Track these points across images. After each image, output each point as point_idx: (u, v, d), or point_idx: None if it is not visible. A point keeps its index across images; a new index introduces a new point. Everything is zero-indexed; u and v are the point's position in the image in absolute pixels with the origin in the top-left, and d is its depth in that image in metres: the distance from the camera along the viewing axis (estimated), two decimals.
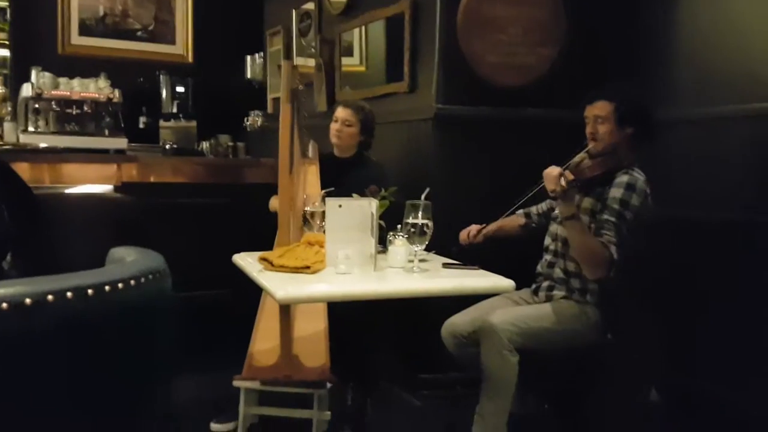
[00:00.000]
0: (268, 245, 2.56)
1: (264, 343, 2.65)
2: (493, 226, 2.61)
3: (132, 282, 1.03)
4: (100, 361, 0.97)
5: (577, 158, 2.32)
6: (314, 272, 1.95)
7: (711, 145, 2.69)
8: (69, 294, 0.94)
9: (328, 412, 2.60)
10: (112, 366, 0.99)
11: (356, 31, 3.90)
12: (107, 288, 0.99)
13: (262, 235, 2.64)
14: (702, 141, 2.74)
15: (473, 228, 2.62)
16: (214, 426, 2.72)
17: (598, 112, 2.37)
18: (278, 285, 1.80)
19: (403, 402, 3.13)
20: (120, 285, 1.01)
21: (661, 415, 2.39)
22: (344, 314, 2.58)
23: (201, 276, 3.25)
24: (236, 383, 2.64)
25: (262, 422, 2.74)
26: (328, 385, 2.59)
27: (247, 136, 4.97)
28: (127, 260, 1.16)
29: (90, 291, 0.96)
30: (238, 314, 2.77)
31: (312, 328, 2.67)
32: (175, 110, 4.86)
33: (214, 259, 2.57)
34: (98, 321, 0.98)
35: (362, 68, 4.01)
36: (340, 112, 3.06)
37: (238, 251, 2.38)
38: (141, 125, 4.86)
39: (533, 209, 2.71)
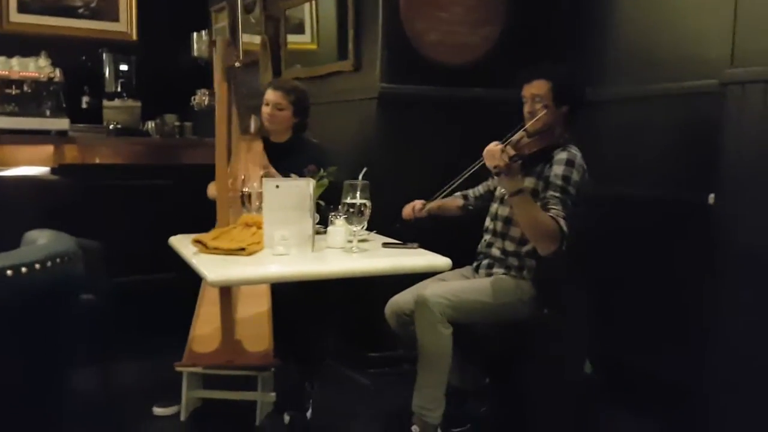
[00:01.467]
0: (212, 227, 2.52)
1: (205, 328, 2.63)
2: (435, 203, 2.63)
3: (37, 266, 1.00)
4: (2, 345, 0.94)
5: (515, 137, 2.34)
6: (250, 254, 1.93)
7: (643, 124, 2.74)
8: None
9: (273, 394, 2.60)
10: (14, 351, 0.96)
11: (307, 7, 3.83)
12: (9, 272, 0.96)
13: (206, 217, 2.59)
14: (634, 119, 2.79)
15: (417, 203, 2.63)
16: (156, 410, 2.68)
17: (536, 91, 2.39)
18: (211, 267, 1.78)
19: (352, 380, 3.14)
20: (23, 269, 0.98)
21: (595, 387, 2.46)
22: (290, 295, 2.57)
23: (144, 259, 3.21)
24: (178, 366, 2.61)
25: (206, 405, 2.73)
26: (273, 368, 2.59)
27: (194, 116, 4.87)
28: (37, 244, 1.13)
29: None
30: (182, 298, 2.74)
31: (255, 311, 2.65)
32: (119, 89, 4.71)
33: (157, 242, 2.52)
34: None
35: (313, 46, 3.95)
36: (270, 95, 2.90)
37: (182, 233, 2.34)
38: (84, 105, 4.70)
39: (470, 192, 2.74)
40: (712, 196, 2.24)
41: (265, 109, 2.93)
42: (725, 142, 2.14)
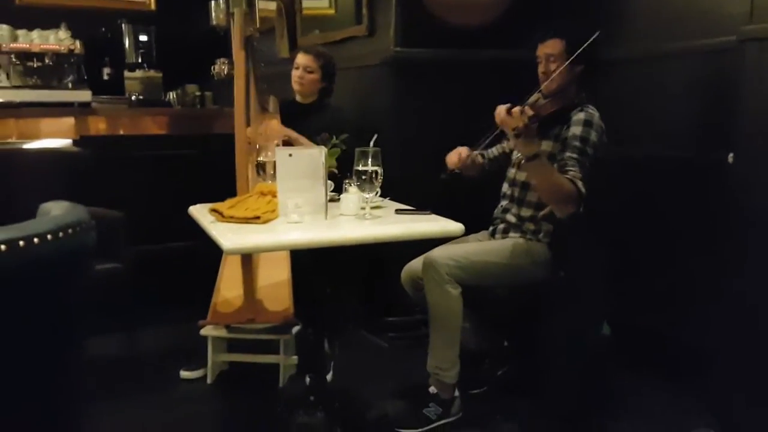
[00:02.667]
0: (234, 196, 2.55)
1: (228, 291, 2.70)
2: (477, 151, 2.52)
3: (49, 236, 1.03)
4: (16, 316, 0.98)
5: (531, 99, 2.31)
6: (265, 222, 1.95)
7: (660, 82, 2.69)
8: None
9: (295, 357, 2.67)
10: (29, 320, 1.00)
11: None
12: (21, 243, 1.00)
13: (228, 185, 2.63)
14: (651, 78, 2.74)
15: (462, 150, 2.50)
16: (183, 373, 2.77)
17: (550, 50, 2.35)
18: (227, 235, 1.81)
19: (371, 344, 3.20)
20: (36, 240, 1.02)
21: (613, 349, 2.46)
22: (308, 261, 2.61)
23: (168, 228, 3.26)
24: (203, 331, 2.69)
25: (231, 369, 2.81)
26: (294, 330, 2.65)
27: (214, 85, 4.90)
28: (51, 215, 1.16)
29: (3, 247, 0.97)
30: (205, 265, 2.80)
31: (275, 276, 2.71)
32: (139, 60, 4.76)
33: (180, 211, 2.57)
34: (13, 276, 0.99)
35: (331, 11, 3.93)
36: (301, 59, 3.04)
37: (205, 202, 2.38)
38: (105, 77, 4.77)
39: (486, 153, 2.71)
40: (731, 155, 2.20)
41: (296, 72, 3.06)
42: (744, 100, 2.10)
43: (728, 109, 2.20)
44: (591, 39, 2.20)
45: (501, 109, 2.17)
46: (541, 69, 2.38)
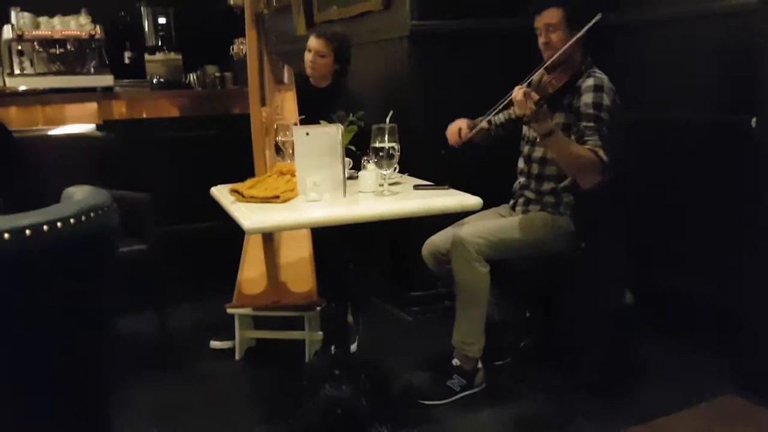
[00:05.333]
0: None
1: (251, 271, 2.74)
2: (481, 123, 2.44)
3: (72, 220, 1.07)
4: (42, 298, 1.02)
5: (536, 76, 2.27)
6: (284, 201, 1.97)
7: (681, 46, 2.63)
8: (6, 235, 0.99)
9: (320, 332, 2.71)
10: (57, 302, 1.04)
11: None
12: (45, 228, 1.03)
13: (250, 165, 2.65)
14: (672, 42, 2.68)
15: (462, 125, 2.44)
16: (213, 343, 2.84)
17: (549, 20, 2.29)
18: (247, 215, 1.83)
19: (395, 318, 3.24)
20: (59, 224, 1.05)
21: (636, 318, 2.46)
22: (328, 238, 2.63)
23: (193, 208, 3.30)
24: (229, 311, 2.74)
25: (258, 346, 2.86)
26: (318, 307, 2.68)
27: (233, 66, 4.91)
28: (73, 199, 1.20)
29: (27, 231, 1.01)
30: (230, 244, 2.84)
31: (297, 254, 2.74)
32: (159, 43, 4.79)
33: (204, 192, 2.60)
34: (38, 259, 1.02)
35: None
36: (313, 42, 2.97)
37: (229, 183, 2.40)
38: (126, 61, 4.81)
39: (493, 119, 2.65)
40: (754, 119, 2.16)
41: (308, 56, 2.98)
42: (766, 63, 2.05)
43: (752, 73, 2.15)
44: (592, 22, 2.13)
45: (519, 93, 2.12)
46: (541, 40, 2.32)
